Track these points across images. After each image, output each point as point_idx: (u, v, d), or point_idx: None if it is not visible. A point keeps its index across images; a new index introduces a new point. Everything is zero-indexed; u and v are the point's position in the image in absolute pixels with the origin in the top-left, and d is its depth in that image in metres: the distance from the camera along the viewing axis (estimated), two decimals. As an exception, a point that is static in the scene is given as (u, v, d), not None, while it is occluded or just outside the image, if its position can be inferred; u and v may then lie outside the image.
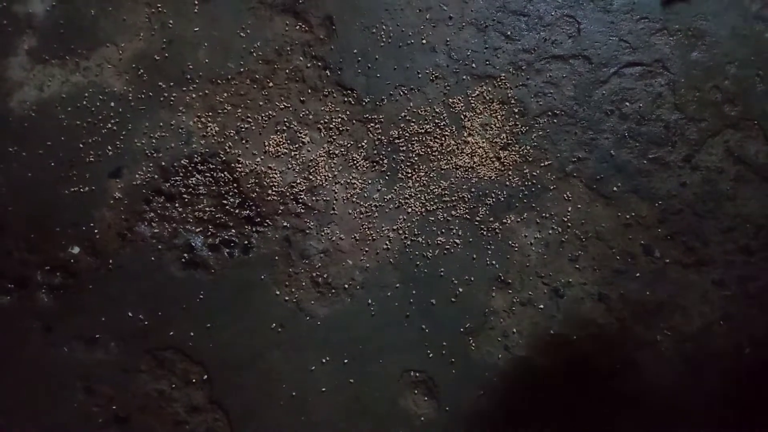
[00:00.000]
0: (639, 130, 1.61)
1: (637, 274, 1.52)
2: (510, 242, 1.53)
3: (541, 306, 1.51)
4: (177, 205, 1.51)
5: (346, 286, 1.50)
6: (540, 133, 1.60)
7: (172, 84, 1.56)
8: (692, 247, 1.54)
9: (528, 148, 1.59)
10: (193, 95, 1.56)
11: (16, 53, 1.55)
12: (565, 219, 1.55)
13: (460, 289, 1.50)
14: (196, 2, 1.60)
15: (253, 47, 1.59)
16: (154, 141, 1.54)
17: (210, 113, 1.56)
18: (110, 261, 1.47)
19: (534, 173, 1.57)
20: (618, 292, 1.51)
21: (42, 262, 1.46)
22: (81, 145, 1.51)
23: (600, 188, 1.57)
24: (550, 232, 1.54)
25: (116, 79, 1.55)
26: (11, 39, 1.56)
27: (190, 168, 1.53)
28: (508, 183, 1.57)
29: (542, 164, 1.58)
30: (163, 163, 1.53)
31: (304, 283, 1.50)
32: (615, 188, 1.57)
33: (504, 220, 1.54)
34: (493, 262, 1.52)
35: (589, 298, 1.51)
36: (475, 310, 1.50)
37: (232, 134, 1.55)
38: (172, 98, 1.56)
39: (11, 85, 1.53)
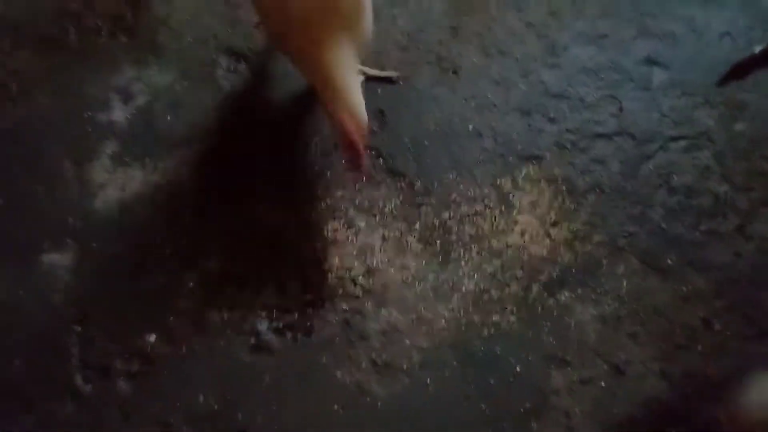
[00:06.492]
0: (689, 203, 1.62)
1: (699, 349, 1.50)
2: (566, 319, 1.54)
3: (603, 384, 1.49)
4: (245, 292, 1.59)
5: (405, 366, 1.53)
6: (589, 209, 1.63)
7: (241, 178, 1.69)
8: (752, 317, 1.51)
9: (578, 224, 1.62)
10: (262, 188, 1.67)
11: (99, 157, 1.71)
12: (621, 294, 1.55)
13: (518, 368, 1.50)
14: (261, 104, 1.75)
15: (314, 142, 1.70)
16: (226, 233, 1.64)
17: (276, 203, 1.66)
18: (183, 347, 1.55)
19: (586, 249, 1.60)
20: (680, 367, 1.48)
21: (122, 351, 1.54)
22: (159, 239, 1.63)
23: (654, 262, 1.58)
24: (607, 307, 1.55)
25: (190, 176, 1.68)
26: (95, 145, 1.73)
27: (257, 256, 1.62)
28: (560, 260, 1.59)
29: (593, 240, 1.61)
30: (235, 253, 1.63)
31: (363, 365, 1.53)
32: (669, 261, 1.57)
33: (558, 297, 1.56)
34: (550, 339, 1.52)
35: (651, 374, 1.49)
36: (534, 389, 1.49)
37: (295, 221, 1.64)
38: (241, 191, 1.68)
39: (95, 186, 1.68)
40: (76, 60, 1.82)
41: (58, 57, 1.83)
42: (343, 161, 1.51)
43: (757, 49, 1.73)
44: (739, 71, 1.73)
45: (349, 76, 1.38)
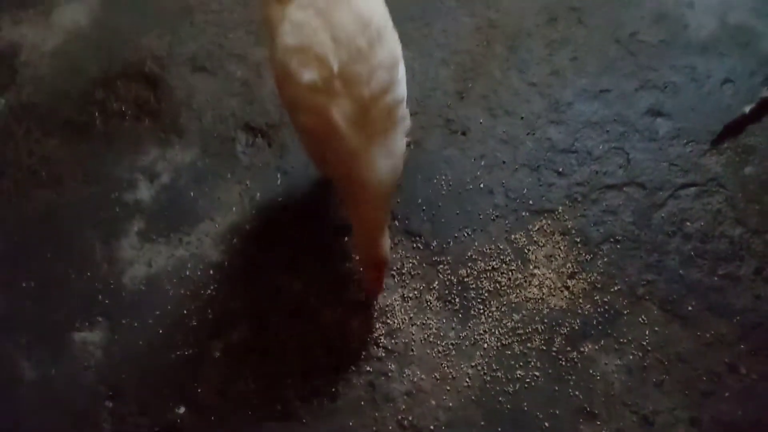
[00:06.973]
0: (704, 248, 1.64)
1: (726, 394, 1.48)
2: (591, 371, 1.54)
3: (632, 436, 1.47)
4: (270, 360, 1.61)
5: (432, 427, 1.52)
6: (605, 259, 1.65)
7: (262, 248, 1.74)
8: (779, 361, 1.50)
9: (595, 275, 1.64)
10: (282, 257, 1.72)
11: (127, 235, 1.78)
12: (644, 343, 1.55)
13: (546, 424, 1.49)
14: (279, 176, 1.82)
15: (331, 209, 1.76)
16: (249, 302, 1.68)
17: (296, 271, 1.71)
18: (212, 417, 1.56)
19: (605, 299, 1.61)
20: (709, 414, 1.47)
21: (152, 425, 1.56)
22: (185, 312, 1.67)
23: (674, 309, 1.58)
24: (631, 357, 1.54)
25: (214, 249, 1.74)
26: (123, 224, 1.80)
27: (281, 324, 1.65)
28: (580, 311, 1.60)
29: (612, 290, 1.62)
30: (259, 322, 1.66)
31: (390, 427, 1.53)
32: (690, 307, 1.57)
33: (581, 349, 1.56)
34: (576, 392, 1.52)
35: (680, 423, 1.47)
36: (564, 444, 1.48)
37: (316, 288, 1.68)
38: (262, 262, 1.73)
39: (123, 263, 1.75)
40: (103, 144, 1.92)
41: (85, 142, 1.93)
42: (364, 283, 1.64)
43: (747, 108, 1.76)
44: (732, 130, 1.76)
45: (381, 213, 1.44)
